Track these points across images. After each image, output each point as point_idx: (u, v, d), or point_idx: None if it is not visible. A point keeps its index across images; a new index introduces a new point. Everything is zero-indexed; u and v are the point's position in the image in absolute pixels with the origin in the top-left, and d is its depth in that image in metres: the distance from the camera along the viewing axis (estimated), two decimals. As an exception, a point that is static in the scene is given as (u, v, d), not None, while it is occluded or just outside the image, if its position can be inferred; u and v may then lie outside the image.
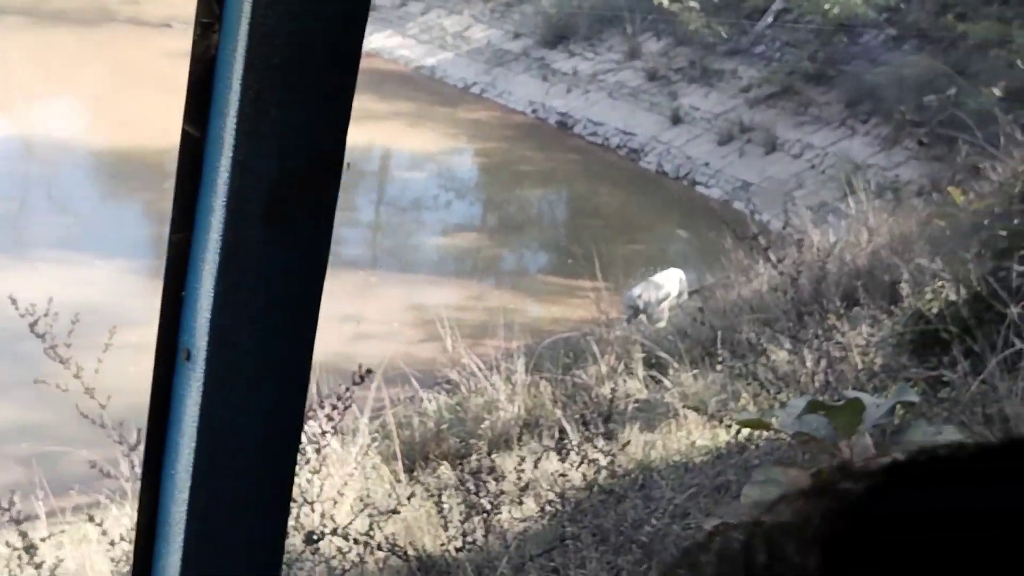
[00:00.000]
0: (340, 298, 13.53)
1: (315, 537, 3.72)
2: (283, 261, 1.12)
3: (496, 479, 4.11)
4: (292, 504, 4.07)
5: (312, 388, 7.28)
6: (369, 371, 3.99)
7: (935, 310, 6.63)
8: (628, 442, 5.51)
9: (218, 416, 1.14)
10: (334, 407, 3.93)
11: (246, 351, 1.13)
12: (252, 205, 1.08)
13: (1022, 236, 6.65)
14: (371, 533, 3.91)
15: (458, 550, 3.90)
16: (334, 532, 3.83)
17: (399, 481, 5.59)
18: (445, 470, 7.45)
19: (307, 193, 1.12)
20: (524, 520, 4.57)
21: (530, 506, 4.91)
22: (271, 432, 1.17)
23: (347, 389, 3.96)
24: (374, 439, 7.99)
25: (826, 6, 18.35)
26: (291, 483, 1.22)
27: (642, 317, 11.07)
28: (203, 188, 1.10)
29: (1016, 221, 6.71)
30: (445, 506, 4.11)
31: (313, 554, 3.83)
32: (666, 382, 8.71)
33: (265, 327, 1.14)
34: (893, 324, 7.31)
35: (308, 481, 4.01)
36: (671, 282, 12.02)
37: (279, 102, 1.07)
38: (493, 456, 7.88)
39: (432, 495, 4.59)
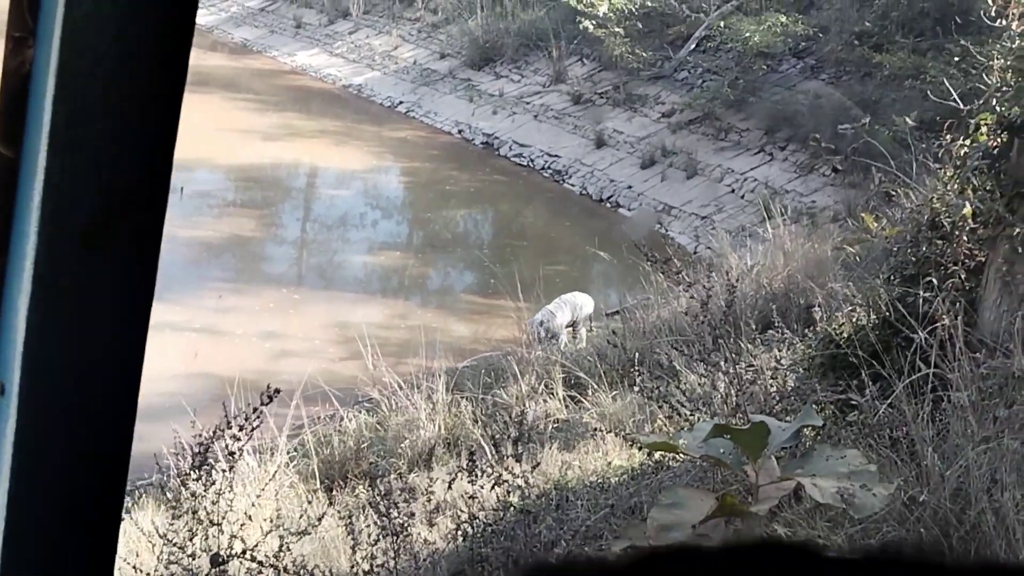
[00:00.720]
0: (262, 315, 13.44)
1: (220, 559, 3.69)
2: (104, 289, 1.05)
3: (407, 500, 4.11)
4: (198, 526, 4.06)
5: (231, 406, 7.22)
6: (278, 391, 3.96)
7: (846, 334, 6.75)
8: (538, 463, 5.53)
9: (35, 455, 1.04)
10: (241, 427, 3.90)
11: (64, 385, 1.05)
12: (69, 230, 1.01)
13: (930, 263, 6.80)
14: (280, 555, 3.88)
15: (366, 573, 3.88)
16: (242, 553, 3.80)
17: (309, 502, 5.55)
18: (364, 489, 7.43)
19: (131, 217, 1.04)
20: (437, 541, 4.57)
21: (444, 527, 4.92)
22: (94, 470, 1.07)
23: (255, 409, 3.93)
24: (292, 458, 7.94)
25: (747, 34, 18.65)
26: (117, 524, 1.13)
27: (558, 338, 11.13)
28: (17, 212, 1.02)
29: (924, 248, 6.86)
30: (355, 527, 4.10)
31: (221, 576, 3.81)
32: (585, 403, 8.77)
33: (85, 359, 1.05)
34: (805, 348, 7.43)
35: (213, 503, 3.97)
36: (576, 306, 12.09)
37: (98, 120, 1.00)
38: (412, 475, 7.88)
39: (342, 516, 4.57)
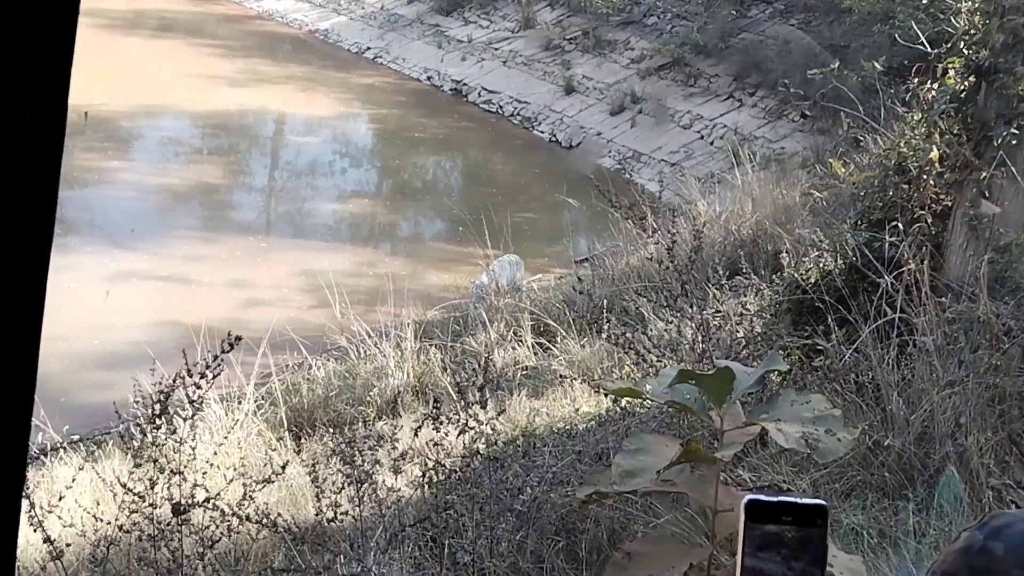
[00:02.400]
0: (229, 264, 13.34)
1: (182, 508, 3.66)
2: None
3: (371, 448, 4.09)
4: (159, 475, 4.02)
5: (197, 354, 7.17)
6: (239, 338, 3.91)
7: (812, 280, 6.76)
8: (503, 410, 5.52)
9: None
10: (202, 375, 3.86)
11: None
12: None
13: (896, 207, 6.80)
14: (243, 503, 3.86)
15: (330, 520, 3.87)
16: (205, 502, 3.78)
17: (274, 450, 5.53)
18: (338, 436, 7.42)
19: (17, 186, 0.94)
20: (402, 488, 4.56)
21: (411, 474, 4.90)
22: None
23: (215, 357, 3.88)
24: (260, 406, 7.90)
25: (717, -22, 18.56)
26: (17, 514, 1.05)
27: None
28: None
29: (891, 193, 6.85)
30: (320, 475, 4.08)
31: (181, 525, 3.77)
32: (554, 350, 8.77)
33: None
34: (772, 294, 7.44)
35: (174, 451, 3.94)
36: (508, 268, 12.01)
37: None
38: (380, 423, 7.87)
39: (305, 465, 4.55)
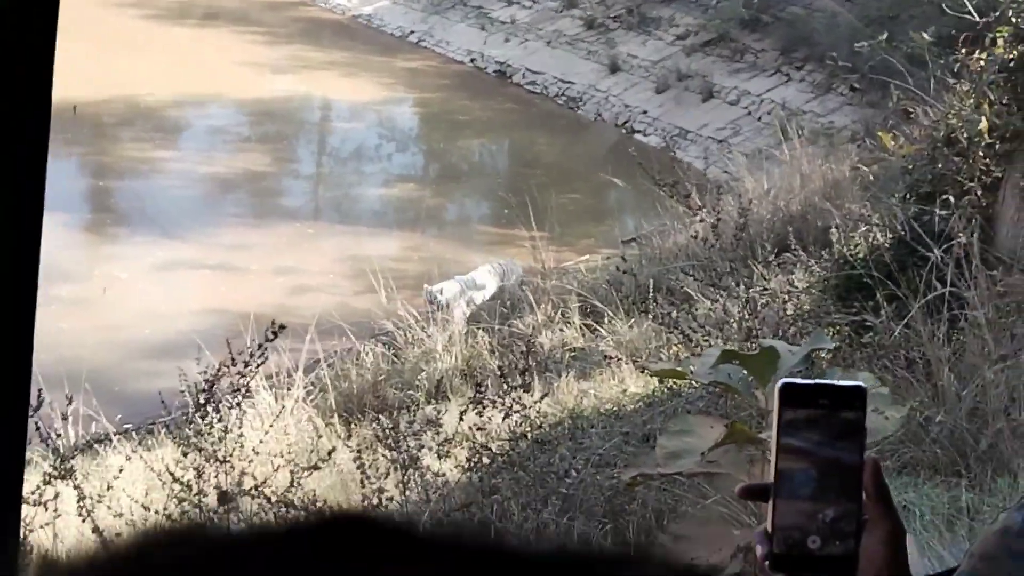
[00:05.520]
0: (276, 250, 13.41)
1: (228, 496, 3.68)
2: None
3: (415, 434, 4.09)
4: (205, 464, 4.06)
5: (245, 342, 7.20)
6: (283, 327, 3.93)
7: (861, 255, 6.68)
8: (547, 393, 5.50)
9: None
10: (246, 364, 3.87)
11: None
12: None
13: (946, 180, 6.70)
14: (291, 490, 3.88)
15: (374, 506, 3.88)
16: (252, 490, 3.79)
17: (320, 436, 5.55)
18: (383, 421, 7.44)
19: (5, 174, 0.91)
20: (448, 472, 4.56)
21: (458, 458, 4.90)
22: None
23: (260, 346, 3.89)
24: (309, 392, 7.94)
25: (761, -48, 18.32)
26: (19, 501, 1.04)
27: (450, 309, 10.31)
28: None
29: (940, 165, 6.75)
30: (366, 461, 4.09)
31: (228, 513, 3.80)
32: (601, 331, 8.74)
33: None
34: (821, 270, 7.36)
35: (220, 439, 3.96)
36: (481, 279, 11.23)
37: None
38: (429, 407, 7.88)
39: (353, 450, 4.56)
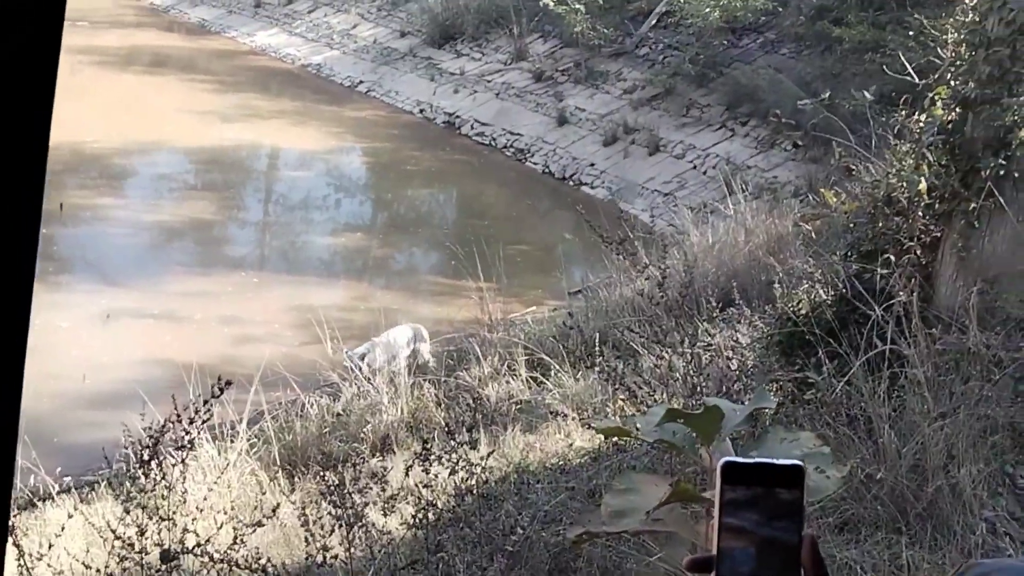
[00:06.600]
0: (221, 299, 13.32)
1: (171, 555, 3.64)
2: None
3: (361, 490, 4.07)
4: (148, 520, 4.00)
5: (189, 393, 7.12)
6: (229, 383, 3.89)
7: (803, 311, 6.75)
8: (493, 450, 5.49)
9: None
10: (191, 420, 3.84)
11: None
12: None
13: (886, 238, 6.80)
14: (234, 547, 3.83)
15: (319, 565, 3.85)
16: (195, 547, 3.75)
17: (264, 493, 5.49)
18: (321, 477, 7.36)
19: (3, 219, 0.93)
20: (393, 530, 4.53)
21: (403, 514, 4.88)
22: None
23: (206, 402, 3.87)
24: (253, 445, 7.86)
25: (707, 9, 18.62)
26: (4, 535, 1.03)
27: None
28: None
29: (881, 224, 6.85)
30: (310, 518, 4.05)
31: (171, 572, 3.75)
32: (548, 383, 8.75)
33: None
34: (765, 325, 7.43)
35: (163, 498, 3.92)
36: (402, 338, 11.16)
37: None
38: (374, 460, 7.82)
39: (297, 506, 4.52)
